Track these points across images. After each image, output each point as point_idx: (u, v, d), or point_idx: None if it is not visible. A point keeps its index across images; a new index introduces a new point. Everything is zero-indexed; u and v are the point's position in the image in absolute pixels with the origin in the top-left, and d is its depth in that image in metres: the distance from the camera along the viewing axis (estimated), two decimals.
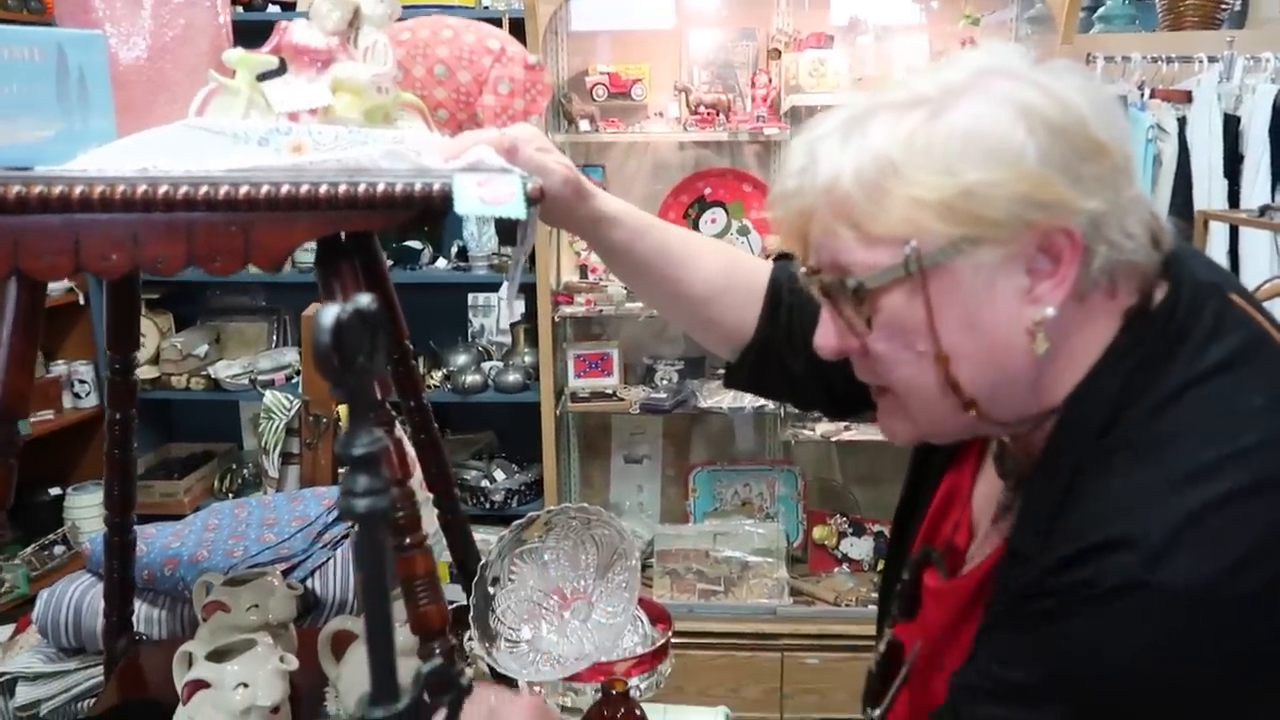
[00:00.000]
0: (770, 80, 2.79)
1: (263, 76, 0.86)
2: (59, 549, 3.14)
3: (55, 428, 3.17)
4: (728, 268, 1.00)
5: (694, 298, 0.99)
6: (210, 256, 0.70)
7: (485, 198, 0.69)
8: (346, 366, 0.46)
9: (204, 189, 0.68)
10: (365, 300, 0.47)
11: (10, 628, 2.25)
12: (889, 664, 0.88)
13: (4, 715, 1.37)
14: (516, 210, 0.69)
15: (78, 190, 0.67)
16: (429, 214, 0.73)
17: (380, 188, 0.70)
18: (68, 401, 3.27)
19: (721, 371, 3.16)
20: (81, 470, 3.34)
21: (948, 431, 0.77)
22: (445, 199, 0.70)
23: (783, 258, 1.01)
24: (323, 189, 0.69)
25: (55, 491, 3.28)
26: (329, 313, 0.44)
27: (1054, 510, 0.69)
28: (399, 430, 0.88)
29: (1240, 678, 0.62)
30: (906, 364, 0.72)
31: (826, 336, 0.76)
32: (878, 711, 0.84)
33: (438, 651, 0.85)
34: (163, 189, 0.68)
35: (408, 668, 0.98)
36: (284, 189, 0.69)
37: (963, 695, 0.71)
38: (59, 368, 3.26)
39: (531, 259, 2.97)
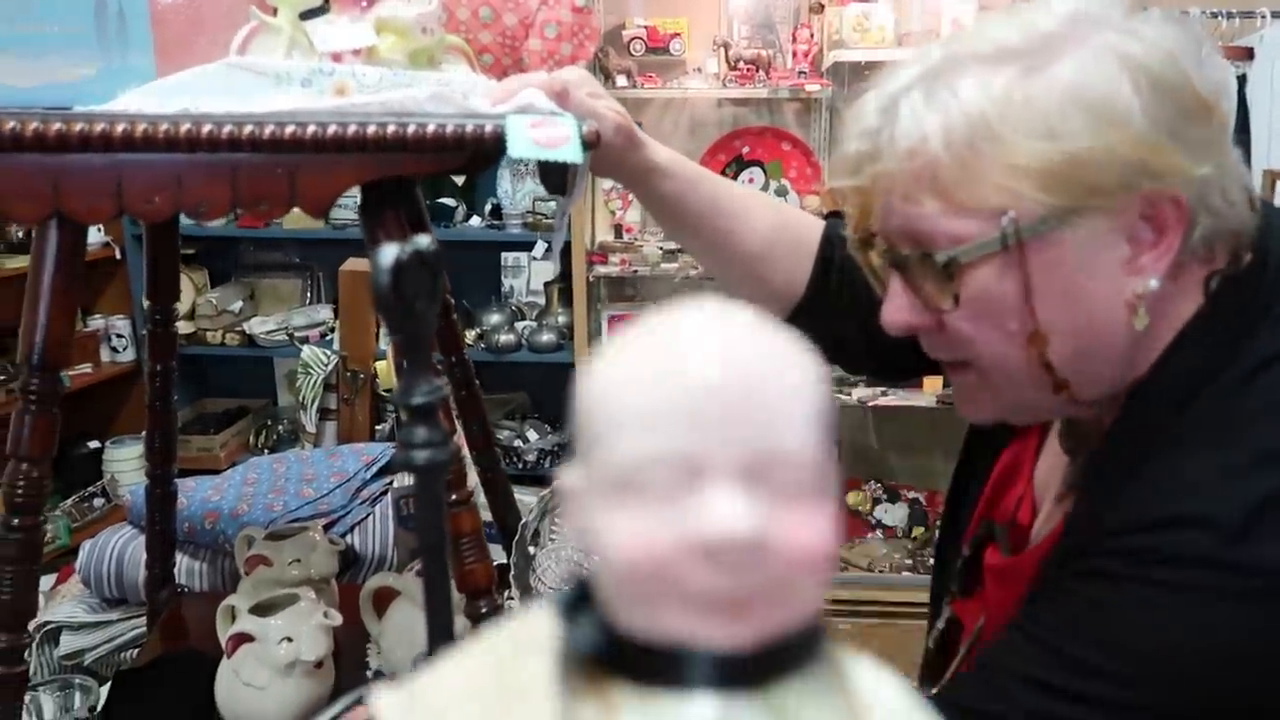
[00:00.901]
0: (812, 35, 2.72)
1: (305, 15, 0.83)
2: (99, 501, 3.19)
3: (93, 381, 3.20)
4: (778, 224, 0.96)
5: (744, 253, 0.95)
6: (255, 200, 0.68)
7: (539, 140, 0.66)
8: (407, 311, 0.43)
9: (249, 129, 0.66)
10: (424, 241, 0.44)
11: (52, 577, 2.29)
12: (946, 641, 0.85)
13: (49, 663, 1.38)
14: (572, 154, 0.66)
15: (119, 128, 0.65)
16: (479, 158, 0.70)
17: (430, 129, 0.67)
18: (105, 356, 3.30)
19: None
20: (120, 424, 3.38)
21: (1034, 411, 0.73)
22: (497, 142, 0.67)
23: (835, 215, 0.97)
24: (371, 130, 0.66)
25: (94, 445, 3.32)
26: (388, 252, 0.42)
27: (1121, 487, 0.65)
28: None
29: None
30: (994, 343, 0.66)
31: (898, 312, 0.69)
32: (935, 690, 0.80)
33: (484, 610, 0.83)
34: (206, 129, 0.66)
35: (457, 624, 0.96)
36: (331, 130, 0.66)
37: (1005, 662, 0.66)
38: (96, 322, 3.29)
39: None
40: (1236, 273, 0.66)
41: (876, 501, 2.99)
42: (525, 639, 0.28)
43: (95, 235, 3.17)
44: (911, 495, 3.00)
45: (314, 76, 0.77)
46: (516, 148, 0.66)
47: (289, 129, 0.66)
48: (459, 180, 3.14)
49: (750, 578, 0.25)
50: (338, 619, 0.95)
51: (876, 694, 0.29)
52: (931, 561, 0.96)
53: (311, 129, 0.66)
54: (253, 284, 3.42)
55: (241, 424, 3.39)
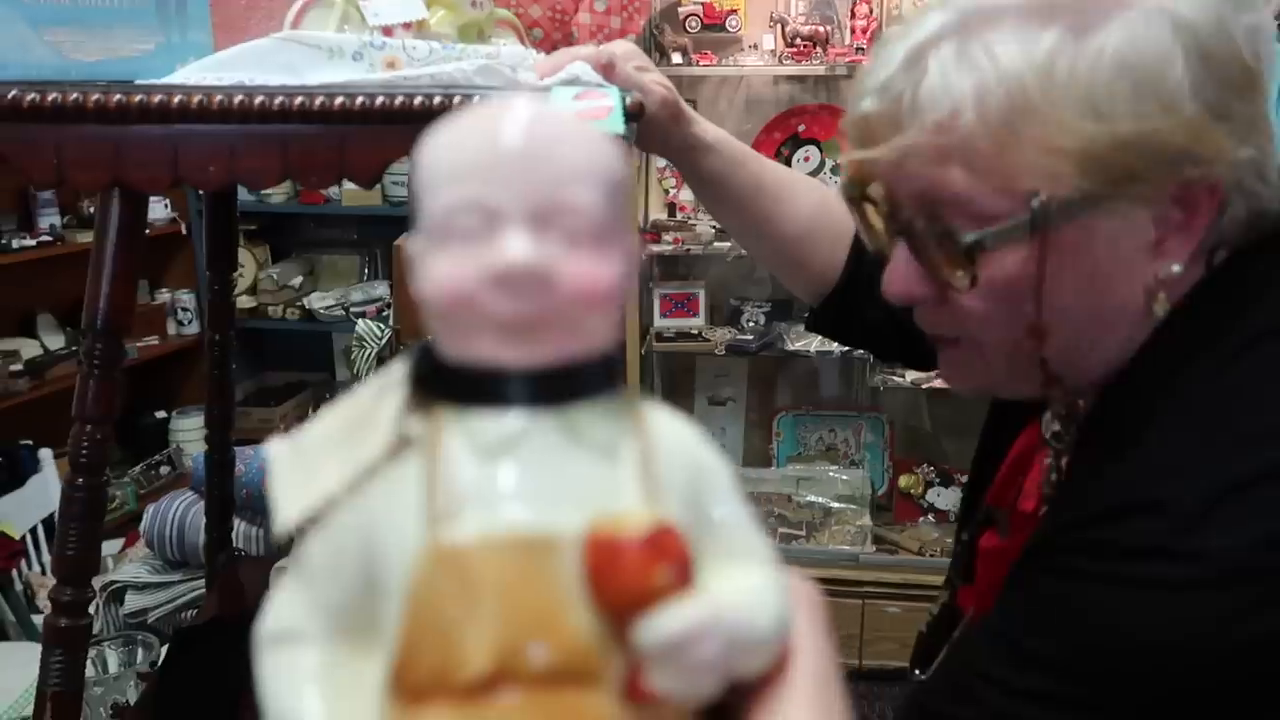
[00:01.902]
0: (871, 11, 2.67)
1: None
2: (164, 469, 3.30)
3: (160, 353, 3.30)
4: (820, 208, 0.95)
5: (785, 236, 0.95)
6: (305, 170, 0.69)
7: (582, 112, 0.66)
8: None
9: (299, 101, 0.67)
10: None
11: (120, 541, 2.38)
12: (941, 627, 0.83)
13: (114, 621, 1.44)
14: (615, 125, 0.66)
15: (176, 100, 0.67)
16: None
17: (476, 100, 0.67)
18: (171, 329, 3.40)
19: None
20: (185, 395, 3.49)
21: (1018, 392, 0.70)
22: None
23: None
24: (418, 101, 0.67)
25: (161, 414, 3.44)
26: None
27: (1093, 475, 0.61)
28: None
29: (1271, 664, 0.53)
30: (998, 326, 0.63)
31: (902, 282, 0.66)
32: (926, 675, 0.78)
33: None
34: (259, 100, 0.67)
35: None
36: (378, 101, 0.67)
37: (972, 661, 0.63)
38: (163, 295, 3.39)
39: None
40: (1244, 245, 0.62)
41: (929, 485, 2.96)
42: (384, 382, 0.33)
43: (162, 211, 3.27)
44: (965, 479, 2.96)
45: (365, 50, 0.78)
46: None
47: (338, 100, 0.67)
48: None
49: (537, 302, 0.30)
50: None
51: (662, 420, 0.34)
52: None
53: (360, 100, 0.67)
54: (312, 260, 3.50)
55: (300, 397, 3.47)
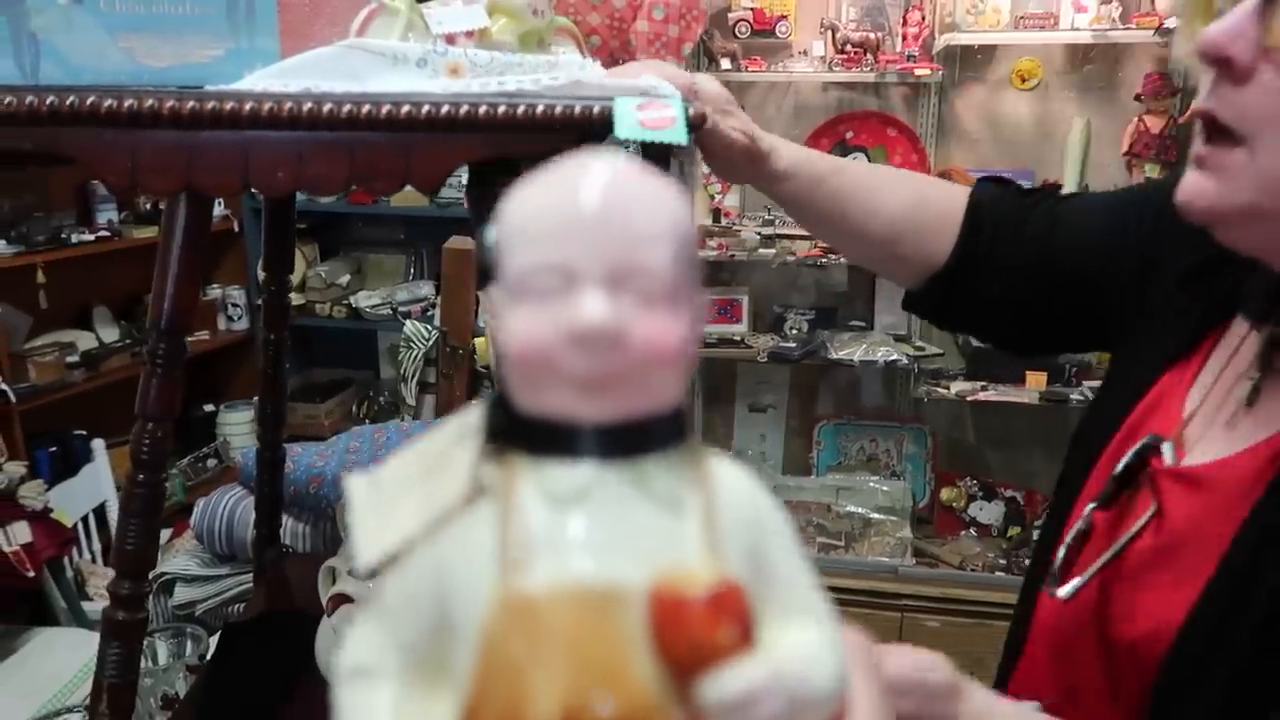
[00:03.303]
0: (924, 18, 2.65)
1: None
2: (212, 462, 3.35)
3: (210, 348, 3.36)
4: (915, 204, 0.94)
5: (877, 239, 0.94)
6: (370, 177, 0.70)
7: (646, 122, 0.66)
8: None
9: (366, 109, 0.68)
10: None
11: (168, 532, 2.42)
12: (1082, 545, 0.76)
13: (163, 612, 1.47)
14: (678, 135, 0.66)
15: (247, 107, 0.68)
16: (588, 139, 0.70)
17: (540, 110, 0.68)
18: (221, 324, 3.46)
19: (855, 324, 3.05)
20: (233, 389, 3.55)
21: (1249, 241, 0.64)
22: (605, 123, 0.67)
23: (986, 181, 0.96)
24: (482, 110, 0.68)
25: (209, 408, 3.50)
26: (494, 231, 0.43)
27: None
28: None
29: None
30: None
31: (1223, 34, 0.59)
32: (1064, 590, 0.72)
33: None
34: (327, 108, 0.68)
35: None
36: (444, 109, 0.68)
37: None
38: (214, 291, 3.45)
39: None
40: None
41: (972, 498, 2.92)
42: (461, 428, 0.35)
43: (216, 209, 3.33)
44: (1009, 494, 2.92)
45: (428, 56, 0.79)
46: (624, 129, 0.67)
47: (404, 109, 0.68)
48: None
49: (611, 361, 0.31)
50: None
51: (724, 472, 0.35)
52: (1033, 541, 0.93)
53: (425, 108, 0.68)
54: (360, 259, 3.54)
55: (345, 394, 3.51)
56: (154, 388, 0.83)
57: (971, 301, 0.93)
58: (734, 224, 2.90)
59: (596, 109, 0.68)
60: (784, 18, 2.77)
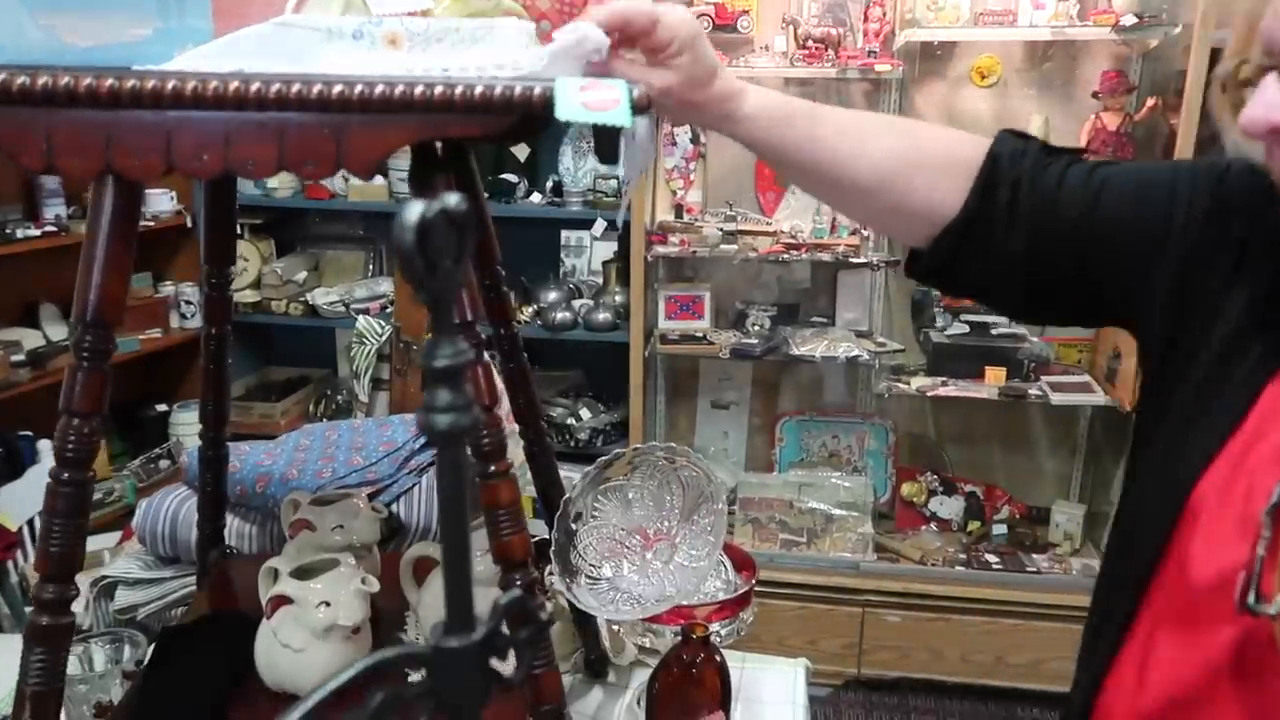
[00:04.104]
0: (884, 14, 2.65)
1: None
2: (164, 463, 3.28)
3: (162, 346, 3.28)
4: (906, 148, 0.87)
5: (863, 187, 0.86)
6: (302, 159, 0.67)
7: (588, 103, 0.64)
8: (431, 269, 0.42)
9: (296, 88, 0.65)
10: (453, 200, 0.43)
11: (117, 534, 2.36)
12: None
13: (104, 616, 1.42)
14: (621, 118, 0.64)
15: (169, 86, 0.65)
16: (529, 121, 0.68)
17: (478, 91, 0.65)
18: (174, 321, 3.38)
19: (817, 319, 3.03)
20: (187, 388, 3.47)
21: None
22: (546, 104, 0.65)
23: (1007, 133, 0.88)
24: (418, 91, 0.65)
25: (162, 407, 3.42)
26: (414, 209, 0.40)
27: None
28: (486, 356, 0.85)
29: None
30: None
31: (1269, 109, 0.63)
32: (1274, 608, 0.64)
33: (519, 583, 0.82)
34: (254, 87, 0.65)
35: (489, 597, 0.95)
36: (378, 90, 0.65)
37: None
38: (167, 288, 3.37)
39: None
40: None
41: (932, 493, 2.93)
42: None
43: (167, 203, 3.25)
44: (969, 489, 2.93)
45: (364, 28, 0.76)
46: (565, 110, 0.65)
47: (336, 88, 0.65)
48: (521, 156, 3.14)
49: None
50: (375, 585, 0.95)
51: None
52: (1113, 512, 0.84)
53: (359, 88, 0.65)
54: (317, 255, 3.48)
55: (302, 393, 3.45)
56: (80, 382, 0.79)
57: (984, 259, 0.86)
58: (696, 220, 2.88)
59: (537, 90, 0.66)
60: (745, 13, 2.76)
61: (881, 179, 0.86)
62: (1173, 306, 0.78)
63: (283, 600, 0.93)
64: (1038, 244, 0.80)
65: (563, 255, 3.24)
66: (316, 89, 0.65)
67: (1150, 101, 2.58)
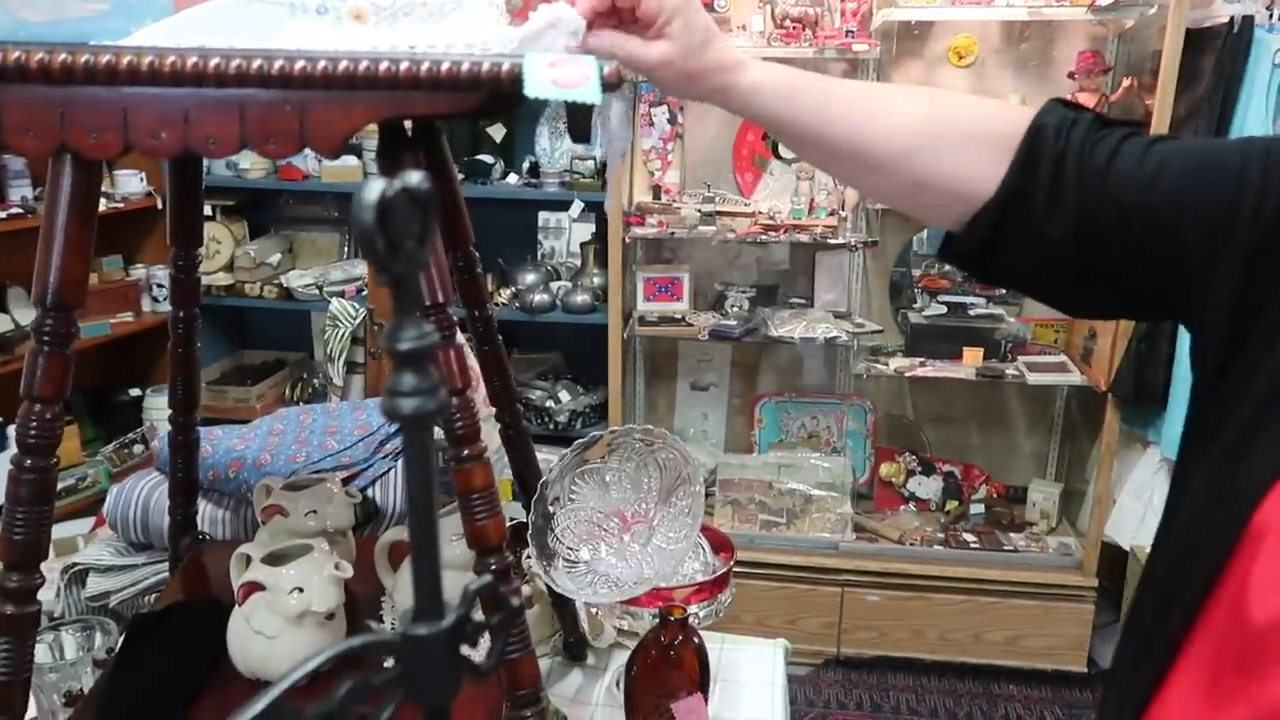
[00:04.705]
0: None
1: None
2: (138, 448, 3.24)
3: (135, 330, 3.24)
4: (930, 116, 0.79)
5: (880, 161, 0.79)
6: (264, 137, 0.66)
7: (558, 80, 0.62)
8: (393, 250, 0.41)
9: (257, 63, 0.63)
10: (415, 178, 0.41)
11: (91, 520, 2.33)
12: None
13: (76, 604, 1.40)
14: (591, 95, 0.63)
15: (125, 61, 0.63)
16: (498, 99, 0.67)
17: (445, 67, 0.64)
18: (146, 305, 3.34)
19: (796, 301, 3.01)
20: (160, 372, 3.43)
21: None
22: (514, 81, 0.64)
23: (1056, 103, 0.79)
24: (383, 67, 0.63)
25: (135, 392, 3.38)
26: (373, 187, 0.39)
27: None
28: (460, 338, 0.84)
29: None
30: None
31: None
32: None
33: (493, 567, 0.81)
34: (214, 63, 0.63)
35: (464, 582, 0.94)
36: (342, 65, 0.63)
37: None
38: (138, 271, 3.33)
39: (603, 176, 2.90)
40: None
41: (910, 473, 2.95)
42: None
43: (137, 185, 3.20)
44: (946, 468, 2.95)
45: (329, 3, 0.74)
46: (533, 87, 0.63)
47: (298, 64, 0.63)
48: (497, 137, 3.11)
49: None
50: (349, 571, 0.94)
51: None
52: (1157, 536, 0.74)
53: (322, 64, 0.64)
54: (292, 237, 3.44)
55: (278, 376, 3.42)
56: (40, 367, 0.77)
57: (1024, 243, 0.78)
58: (674, 201, 2.87)
59: (505, 66, 0.64)
60: None
61: (901, 151, 0.78)
62: (1240, 303, 0.69)
63: (255, 587, 0.92)
64: (1086, 227, 0.72)
65: (541, 237, 3.21)
66: (278, 65, 0.63)
67: (1126, 82, 2.59)
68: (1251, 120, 2.36)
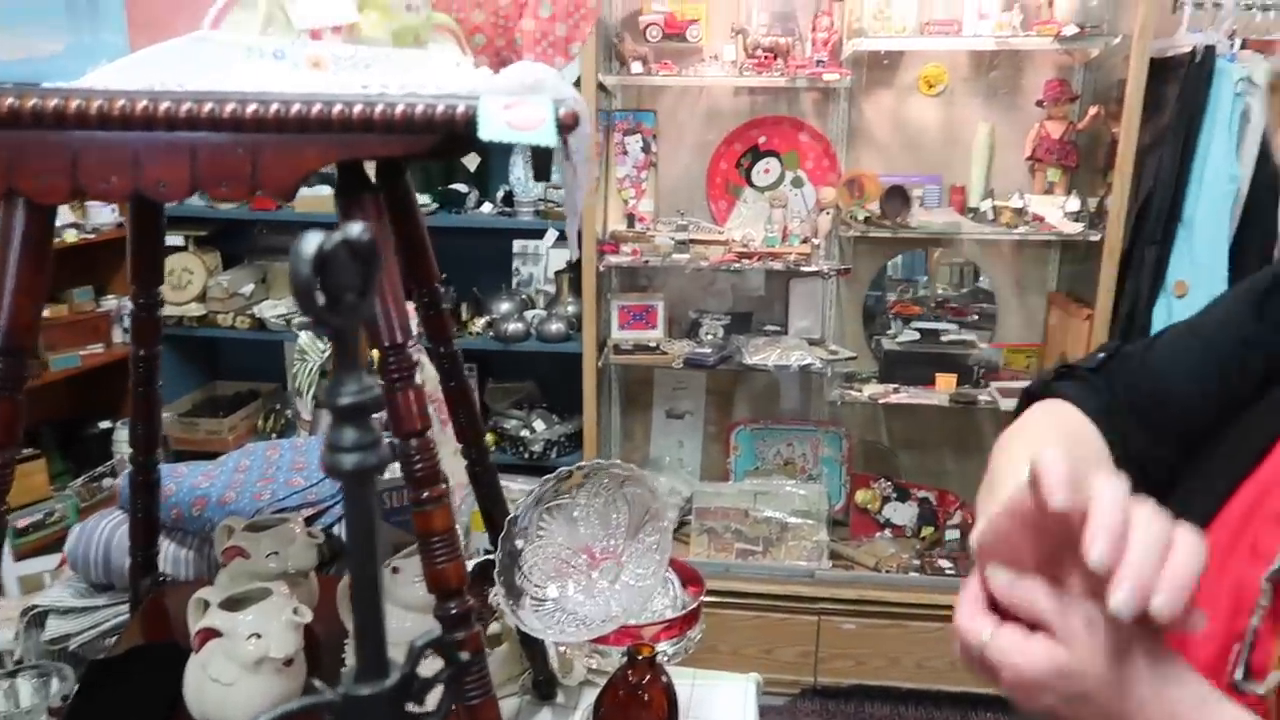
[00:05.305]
0: (832, 24, 2.66)
1: None
2: (107, 481, 3.20)
3: (105, 361, 3.20)
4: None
5: None
6: (216, 181, 0.65)
7: (513, 122, 0.62)
8: (332, 304, 0.40)
9: (208, 107, 0.63)
10: (356, 230, 0.41)
11: (58, 556, 2.29)
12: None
13: (35, 647, 1.37)
14: (546, 137, 0.63)
15: (74, 105, 0.62)
16: (454, 140, 0.66)
17: (399, 109, 0.64)
18: (118, 336, 3.30)
19: (770, 328, 2.99)
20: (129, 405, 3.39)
21: None
22: (469, 123, 0.63)
23: (1062, 375, 0.84)
24: (336, 109, 0.63)
25: (105, 424, 3.33)
26: (310, 240, 0.38)
27: None
28: (419, 377, 0.83)
29: None
30: None
31: None
32: (1263, 687, 0.61)
33: (454, 611, 0.80)
34: (164, 106, 0.63)
35: (426, 625, 0.93)
36: (294, 109, 0.63)
37: None
38: (109, 302, 3.29)
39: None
40: None
41: (886, 500, 2.95)
42: None
43: (108, 215, 3.17)
44: (921, 494, 2.95)
45: (287, 49, 0.74)
46: (488, 129, 0.63)
47: (250, 107, 0.63)
48: (471, 166, 3.11)
49: None
50: (308, 616, 0.93)
51: None
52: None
53: (274, 107, 0.63)
54: (266, 267, 3.41)
55: (250, 408, 3.39)
56: None
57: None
58: (648, 229, 2.87)
59: (460, 109, 0.64)
60: (695, 22, 2.76)
61: None
62: None
63: (211, 633, 0.90)
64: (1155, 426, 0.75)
65: (518, 264, 3.21)
66: (230, 108, 0.63)
67: (1093, 110, 2.62)
68: (1215, 147, 2.40)
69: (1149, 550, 0.47)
